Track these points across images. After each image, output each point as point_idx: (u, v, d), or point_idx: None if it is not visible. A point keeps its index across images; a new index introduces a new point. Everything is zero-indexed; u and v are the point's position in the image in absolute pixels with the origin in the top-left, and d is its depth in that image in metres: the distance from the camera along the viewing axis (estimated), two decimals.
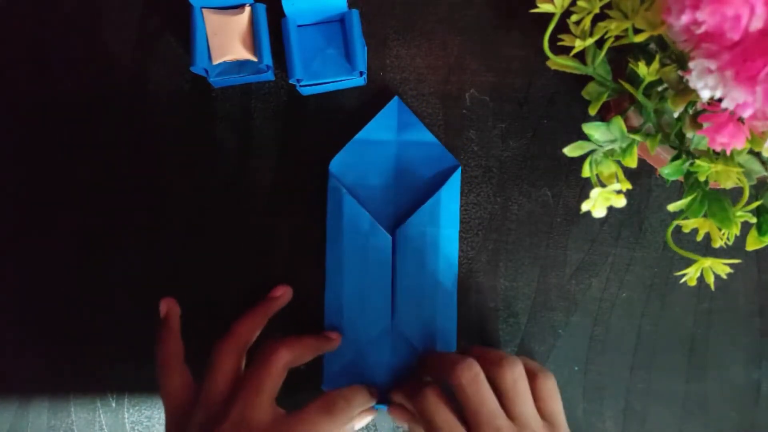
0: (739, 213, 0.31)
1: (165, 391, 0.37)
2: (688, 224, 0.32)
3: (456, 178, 0.43)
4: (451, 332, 0.43)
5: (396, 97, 0.43)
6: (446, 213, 0.43)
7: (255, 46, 0.41)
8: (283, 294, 0.42)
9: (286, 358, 0.37)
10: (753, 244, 0.32)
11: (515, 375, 0.37)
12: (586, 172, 0.33)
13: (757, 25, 0.25)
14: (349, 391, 0.38)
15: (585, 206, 0.32)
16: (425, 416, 0.36)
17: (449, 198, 0.43)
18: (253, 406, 0.34)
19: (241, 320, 0.39)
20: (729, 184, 0.31)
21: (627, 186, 0.33)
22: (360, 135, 0.43)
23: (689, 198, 0.32)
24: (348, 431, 0.40)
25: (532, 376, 0.38)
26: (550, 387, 0.38)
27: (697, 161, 0.31)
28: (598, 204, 0.32)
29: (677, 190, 0.44)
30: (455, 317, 0.43)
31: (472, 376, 0.36)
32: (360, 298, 0.42)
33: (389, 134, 0.43)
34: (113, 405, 0.44)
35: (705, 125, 0.28)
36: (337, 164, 0.43)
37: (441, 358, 0.40)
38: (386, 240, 0.42)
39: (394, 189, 0.43)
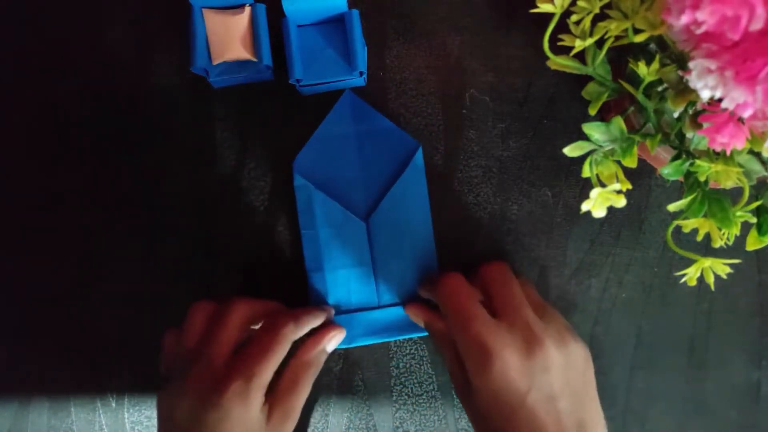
0: (739, 213, 0.31)
1: (162, 353, 0.40)
2: (688, 224, 0.32)
3: (418, 158, 0.43)
4: (431, 262, 0.43)
5: (347, 91, 0.44)
6: (414, 193, 0.43)
7: (255, 46, 0.41)
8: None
9: (293, 331, 0.38)
10: (753, 244, 0.32)
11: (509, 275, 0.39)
12: (586, 172, 0.33)
13: (757, 25, 0.25)
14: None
15: (585, 206, 0.32)
16: (448, 301, 0.36)
17: (415, 178, 0.43)
18: (213, 353, 0.36)
19: (243, 300, 0.40)
20: (729, 184, 0.31)
21: (627, 186, 0.33)
22: (319, 132, 0.44)
23: (689, 198, 0.32)
24: (320, 351, 0.40)
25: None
26: (526, 282, 0.41)
27: (697, 161, 0.31)
28: (598, 204, 0.32)
29: (677, 190, 0.44)
30: (434, 249, 0.43)
31: (503, 274, 0.38)
32: (344, 289, 0.43)
33: (347, 127, 0.44)
34: (113, 405, 0.44)
35: (705, 125, 0.28)
36: (300, 162, 0.44)
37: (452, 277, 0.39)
38: (361, 227, 0.43)
39: (361, 179, 0.44)
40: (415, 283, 0.43)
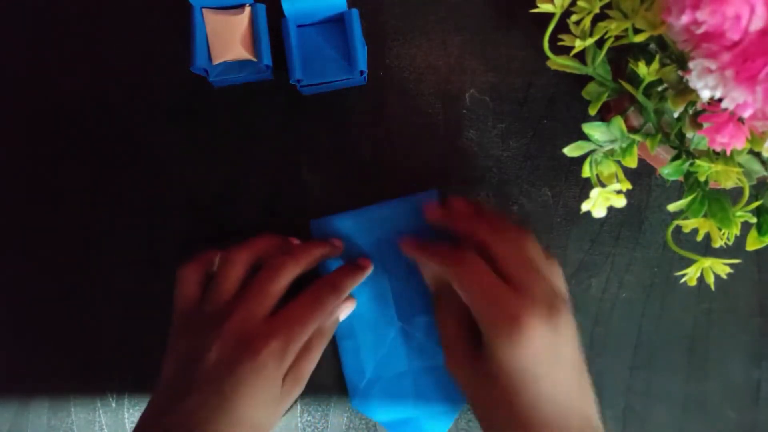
0: (739, 213, 0.31)
1: (179, 291, 0.39)
2: (688, 224, 0.32)
3: (431, 194, 0.43)
4: None
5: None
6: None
7: (255, 46, 0.41)
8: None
9: (292, 271, 0.39)
10: (753, 244, 0.32)
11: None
12: (586, 172, 0.33)
13: (757, 25, 0.25)
14: (335, 275, 0.40)
15: (585, 206, 0.32)
16: (470, 282, 0.36)
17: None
18: (258, 305, 0.37)
19: (260, 238, 0.41)
20: (729, 184, 0.31)
21: (627, 186, 0.33)
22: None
23: (689, 198, 0.32)
24: (333, 321, 0.41)
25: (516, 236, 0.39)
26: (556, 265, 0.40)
27: (697, 161, 0.31)
28: (598, 204, 0.32)
29: (677, 190, 0.44)
30: None
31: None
32: (366, 312, 0.43)
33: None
34: (113, 405, 0.44)
35: (705, 125, 0.28)
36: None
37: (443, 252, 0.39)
38: (373, 244, 0.43)
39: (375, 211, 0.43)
40: (429, 307, 0.42)
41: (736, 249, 0.35)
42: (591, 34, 0.32)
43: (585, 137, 0.33)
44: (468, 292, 0.36)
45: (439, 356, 0.42)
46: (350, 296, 0.42)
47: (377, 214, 0.43)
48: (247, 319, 0.36)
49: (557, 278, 0.38)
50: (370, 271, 0.42)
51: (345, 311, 0.42)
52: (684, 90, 0.31)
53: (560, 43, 0.33)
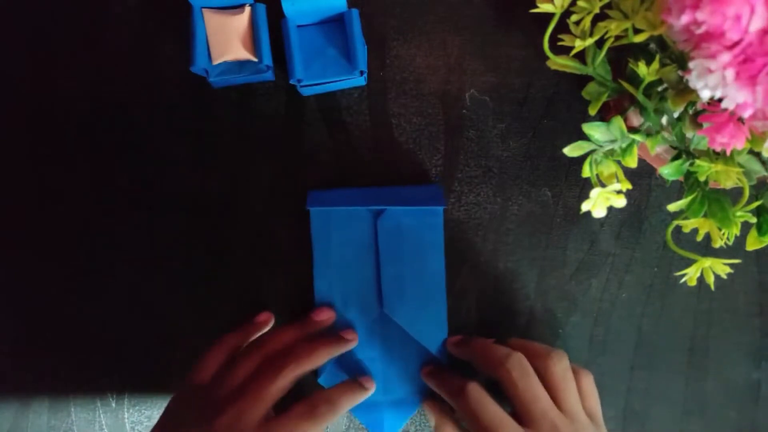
0: (739, 213, 0.31)
1: (195, 369, 0.39)
2: (688, 224, 0.32)
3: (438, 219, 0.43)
4: (441, 315, 0.43)
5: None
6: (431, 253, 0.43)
7: (255, 46, 0.41)
8: (266, 321, 0.43)
9: (294, 373, 0.37)
10: (753, 244, 0.32)
11: (564, 368, 0.37)
12: (586, 172, 0.33)
13: (757, 25, 0.25)
14: (335, 391, 0.38)
15: (585, 206, 0.32)
16: (472, 414, 0.36)
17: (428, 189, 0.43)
18: (250, 409, 0.35)
19: (286, 330, 0.40)
20: (729, 184, 0.31)
21: (627, 186, 0.33)
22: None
23: (689, 198, 0.32)
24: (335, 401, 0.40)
25: (574, 373, 0.38)
26: (591, 384, 0.39)
27: (697, 161, 0.31)
28: (598, 204, 0.32)
29: (677, 190, 0.44)
30: (444, 300, 0.43)
31: (523, 371, 0.36)
32: (348, 290, 0.43)
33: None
34: (113, 405, 0.44)
35: (705, 125, 0.28)
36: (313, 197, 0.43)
37: (486, 350, 0.39)
38: (369, 230, 0.43)
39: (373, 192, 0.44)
40: (419, 297, 0.43)
41: (736, 249, 0.35)
42: (591, 34, 0.32)
43: (585, 137, 0.33)
44: (470, 424, 0.36)
45: (413, 347, 0.43)
46: (361, 389, 0.41)
47: (378, 193, 0.43)
48: (238, 421, 0.35)
49: (589, 399, 0.38)
50: (372, 391, 0.41)
51: (356, 397, 0.41)
52: (684, 90, 0.31)
53: (560, 43, 0.33)
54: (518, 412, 0.36)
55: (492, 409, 0.36)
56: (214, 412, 0.35)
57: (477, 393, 0.37)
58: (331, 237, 0.43)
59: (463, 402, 0.37)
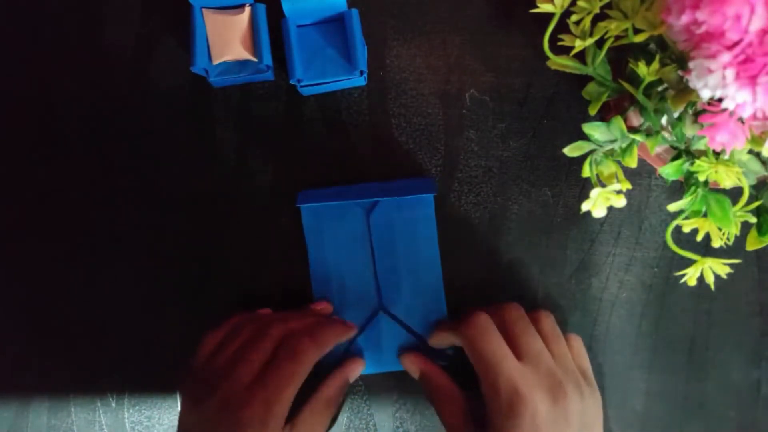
0: (739, 213, 0.31)
1: (198, 351, 0.38)
2: (688, 224, 0.32)
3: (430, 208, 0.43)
4: (439, 303, 0.43)
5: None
6: (424, 238, 0.43)
7: (255, 46, 0.41)
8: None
9: (315, 354, 0.37)
10: (753, 244, 0.32)
11: (552, 322, 0.39)
12: (586, 172, 0.33)
13: (757, 25, 0.25)
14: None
15: (585, 206, 0.32)
16: (475, 340, 0.36)
17: (421, 183, 0.43)
18: (280, 398, 0.35)
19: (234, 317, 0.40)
20: (729, 184, 0.31)
21: (627, 186, 0.33)
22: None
23: (689, 198, 0.32)
24: (344, 388, 0.41)
25: (564, 335, 0.39)
26: (581, 345, 0.40)
27: (697, 161, 0.31)
28: (598, 204, 0.32)
29: (677, 190, 0.44)
30: (442, 290, 0.43)
31: (520, 317, 0.38)
32: (345, 287, 0.43)
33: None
34: (113, 405, 0.44)
35: (705, 125, 0.28)
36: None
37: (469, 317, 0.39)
38: (362, 225, 0.43)
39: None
40: (416, 288, 0.43)
41: (736, 249, 0.35)
42: (591, 34, 0.32)
43: (585, 137, 0.33)
44: (472, 353, 0.36)
45: (413, 340, 0.43)
46: (359, 357, 0.42)
47: (367, 187, 0.43)
48: (232, 389, 0.35)
49: (579, 357, 0.39)
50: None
51: (355, 374, 0.41)
52: (684, 90, 0.31)
53: (560, 43, 0.33)
54: (514, 351, 0.36)
55: (495, 340, 0.36)
56: (240, 402, 0.34)
57: (485, 321, 0.37)
58: (323, 234, 0.43)
59: (468, 329, 0.37)
